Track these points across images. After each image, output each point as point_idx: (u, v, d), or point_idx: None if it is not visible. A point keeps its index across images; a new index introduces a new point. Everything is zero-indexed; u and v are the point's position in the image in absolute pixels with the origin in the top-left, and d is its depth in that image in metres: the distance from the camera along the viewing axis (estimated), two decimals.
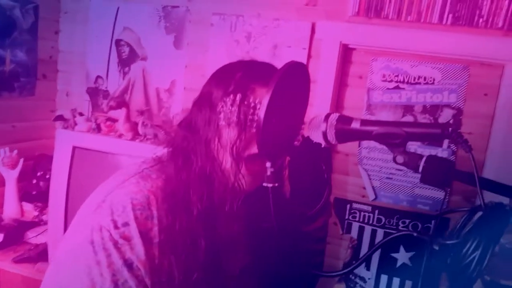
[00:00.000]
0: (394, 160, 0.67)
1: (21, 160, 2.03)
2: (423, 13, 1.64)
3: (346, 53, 1.89)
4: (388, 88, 1.87)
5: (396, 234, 0.67)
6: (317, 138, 0.71)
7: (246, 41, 1.95)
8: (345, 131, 0.69)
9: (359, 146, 1.92)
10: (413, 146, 1.82)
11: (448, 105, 1.80)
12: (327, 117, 0.70)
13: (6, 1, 1.95)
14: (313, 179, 0.82)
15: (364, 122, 0.68)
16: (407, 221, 1.88)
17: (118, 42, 2.21)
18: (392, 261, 1.89)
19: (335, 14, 1.82)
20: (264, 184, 0.74)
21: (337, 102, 1.93)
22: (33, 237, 1.83)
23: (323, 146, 0.74)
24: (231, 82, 0.77)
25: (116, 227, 0.70)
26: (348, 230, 1.98)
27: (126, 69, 2.22)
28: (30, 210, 2.03)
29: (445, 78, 1.79)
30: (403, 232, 0.67)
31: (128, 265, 0.69)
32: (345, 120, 0.69)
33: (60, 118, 1.86)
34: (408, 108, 1.86)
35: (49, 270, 0.73)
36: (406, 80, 1.84)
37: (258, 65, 0.84)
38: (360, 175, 1.94)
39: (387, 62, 1.85)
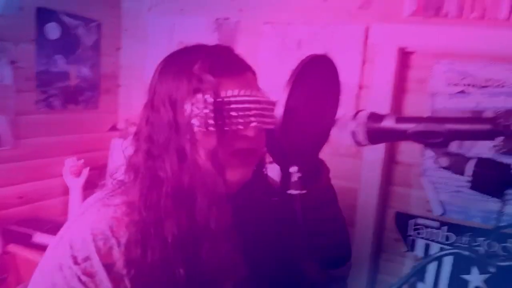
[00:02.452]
0: (436, 163, 0.58)
1: (87, 169, 2.13)
2: (488, 8, 1.47)
3: (404, 57, 1.76)
4: (453, 93, 1.70)
5: (439, 253, 0.57)
6: (346, 139, 0.63)
7: (296, 48, 1.90)
8: (377, 130, 0.60)
9: (422, 156, 1.77)
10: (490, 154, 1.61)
11: None
12: (356, 114, 0.62)
13: (71, 20, 2.09)
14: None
15: (399, 119, 0.59)
16: (482, 239, 1.67)
17: None
18: (464, 284, 1.69)
19: (391, 15, 1.71)
20: (290, 192, 0.66)
21: (396, 109, 1.80)
22: None
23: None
24: (191, 76, 0.66)
25: (76, 263, 0.63)
26: (412, 248, 1.81)
27: None
28: None
29: None
30: (450, 251, 0.57)
31: None
32: (377, 117, 0.61)
33: (114, 128, 1.93)
34: (477, 114, 1.67)
35: None
36: (473, 84, 1.66)
37: (213, 50, 0.73)
38: (424, 187, 1.78)
39: (450, 64, 1.69)
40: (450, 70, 1.70)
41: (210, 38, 2.14)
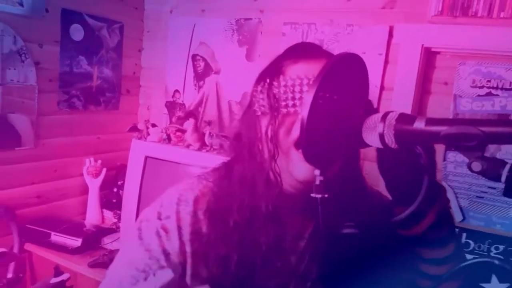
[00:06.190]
0: (469, 168, 0.55)
1: (104, 170, 2.16)
2: None
3: (429, 57, 1.72)
4: (478, 95, 1.66)
5: (470, 261, 0.54)
6: (373, 141, 0.61)
7: None
8: (407, 133, 0.57)
9: (444, 160, 1.72)
10: None
11: None
12: (385, 116, 0.59)
13: (95, 22, 2.11)
14: (408, 168, 0.63)
15: (430, 121, 0.56)
16: (501, 247, 1.62)
17: (194, 57, 2.28)
18: None
19: (416, 15, 1.67)
20: (312, 195, 0.63)
21: (419, 112, 1.76)
22: (109, 243, 1.91)
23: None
24: (271, 66, 0.73)
25: (159, 218, 0.73)
26: None
27: (201, 83, 2.27)
28: (110, 217, 2.13)
29: None
30: (480, 259, 0.54)
31: (166, 254, 0.71)
32: (406, 119, 0.58)
33: (134, 129, 1.95)
34: (504, 117, 1.62)
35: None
36: (500, 86, 1.61)
37: (301, 44, 0.79)
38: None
39: (477, 65, 1.65)
40: (476, 72, 1.65)
41: (230, 39, 2.13)
